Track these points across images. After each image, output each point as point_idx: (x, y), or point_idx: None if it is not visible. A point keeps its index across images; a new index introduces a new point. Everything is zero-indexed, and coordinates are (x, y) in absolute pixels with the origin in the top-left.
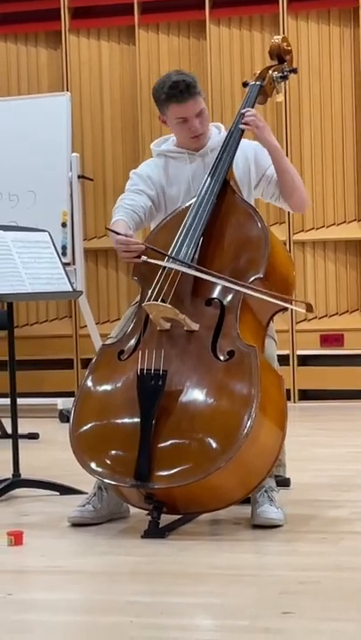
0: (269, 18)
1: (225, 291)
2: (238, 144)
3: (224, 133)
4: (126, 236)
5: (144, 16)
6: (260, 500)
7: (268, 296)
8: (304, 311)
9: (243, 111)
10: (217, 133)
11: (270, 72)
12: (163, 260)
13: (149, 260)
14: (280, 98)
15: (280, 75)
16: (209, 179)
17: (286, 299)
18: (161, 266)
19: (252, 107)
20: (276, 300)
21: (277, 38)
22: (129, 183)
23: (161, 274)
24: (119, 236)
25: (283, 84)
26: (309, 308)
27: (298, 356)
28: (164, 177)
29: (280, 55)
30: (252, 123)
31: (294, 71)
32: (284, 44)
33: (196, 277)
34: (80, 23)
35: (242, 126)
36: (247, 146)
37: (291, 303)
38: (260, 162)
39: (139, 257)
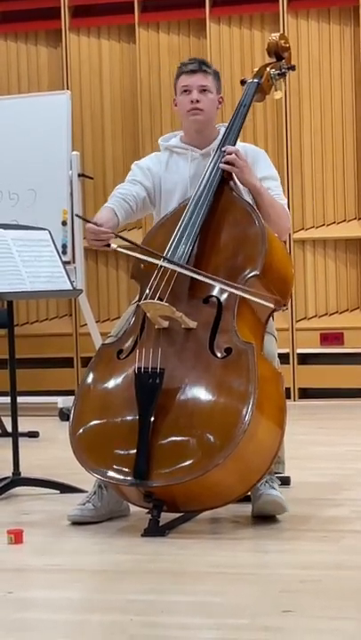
0: (270, 16)
1: (222, 288)
2: (220, 183)
3: None
4: (96, 224)
5: (144, 14)
6: (263, 487)
7: (260, 298)
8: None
9: (223, 148)
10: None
11: (268, 69)
12: (140, 252)
13: (119, 249)
14: (278, 95)
15: (278, 72)
16: (207, 173)
17: (280, 301)
18: (146, 262)
19: (249, 105)
20: (267, 303)
21: (275, 36)
22: (129, 174)
23: (157, 272)
24: (89, 223)
25: (281, 81)
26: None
27: (298, 354)
28: (163, 170)
29: (278, 52)
30: (232, 162)
31: (292, 68)
32: (282, 41)
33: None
34: (80, 22)
35: (222, 166)
36: (251, 150)
37: (284, 306)
38: (256, 172)
39: (108, 245)
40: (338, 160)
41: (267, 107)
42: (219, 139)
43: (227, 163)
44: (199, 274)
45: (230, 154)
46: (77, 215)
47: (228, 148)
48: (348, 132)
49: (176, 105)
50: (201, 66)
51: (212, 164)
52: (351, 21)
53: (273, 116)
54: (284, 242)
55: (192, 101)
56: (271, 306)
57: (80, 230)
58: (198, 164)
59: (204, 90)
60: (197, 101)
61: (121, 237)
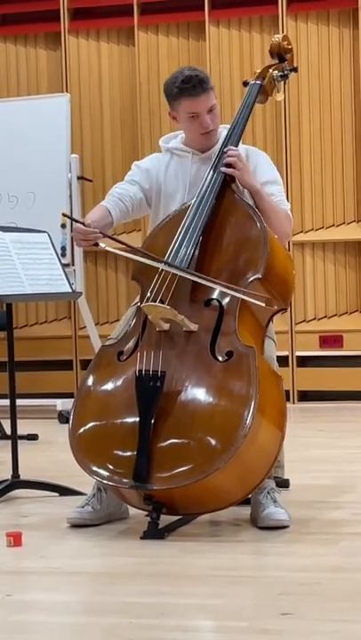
0: (269, 19)
1: (224, 291)
2: (222, 185)
3: None
4: (84, 224)
5: (143, 17)
6: (264, 501)
7: (261, 301)
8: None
9: (225, 150)
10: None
11: (271, 71)
12: (130, 252)
13: (109, 249)
14: (280, 97)
15: (280, 74)
16: (209, 176)
17: (281, 305)
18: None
19: (252, 106)
20: (268, 306)
21: (278, 37)
22: (128, 173)
23: (159, 275)
24: (76, 223)
25: (283, 82)
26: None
27: (297, 356)
28: (163, 174)
29: (280, 54)
30: (234, 165)
31: (295, 70)
32: (285, 42)
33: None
34: (79, 24)
35: (223, 169)
36: (253, 152)
37: (282, 312)
38: (258, 176)
39: (96, 244)
40: (337, 162)
41: (266, 109)
42: (220, 141)
43: (227, 165)
44: (199, 277)
45: (232, 156)
46: (64, 214)
47: (230, 150)
48: (348, 135)
49: (175, 118)
50: (203, 85)
51: (213, 167)
52: (350, 24)
53: (272, 119)
54: (284, 245)
55: (205, 126)
56: (273, 308)
57: None
58: (199, 168)
59: (211, 109)
60: (210, 122)
61: (111, 238)
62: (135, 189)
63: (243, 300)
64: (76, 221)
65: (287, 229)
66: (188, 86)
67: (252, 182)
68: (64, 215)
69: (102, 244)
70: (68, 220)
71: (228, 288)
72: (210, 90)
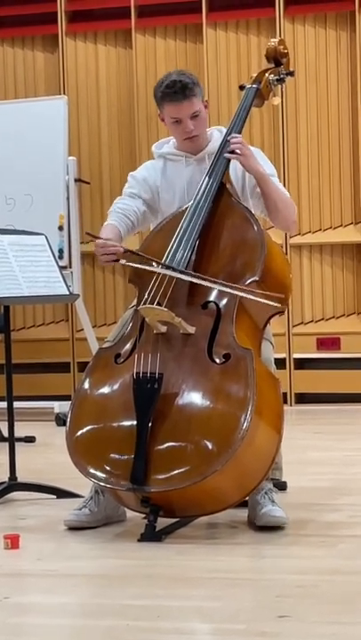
0: (266, 22)
1: (221, 294)
2: (225, 170)
3: None
4: (105, 240)
5: (141, 20)
6: (262, 501)
7: (262, 297)
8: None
9: (228, 138)
10: (218, 137)
11: (267, 75)
12: (147, 264)
13: (129, 264)
14: (277, 101)
15: (277, 78)
16: (206, 179)
17: (280, 299)
18: (150, 269)
19: (248, 110)
20: (270, 302)
21: (274, 41)
22: (126, 186)
23: (157, 277)
24: (98, 240)
25: (279, 86)
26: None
27: (294, 359)
28: (160, 180)
29: (277, 58)
30: (238, 150)
31: (291, 74)
32: (281, 46)
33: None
34: (77, 27)
35: (227, 155)
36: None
37: (279, 314)
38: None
39: (117, 260)
40: (334, 165)
41: (263, 112)
42: (213, 141)
43: (232, 152)
44: (201, 279)
45: (235, 143)
46: (88, 233)
47: (234, 137)
48: (345, 138)
49: (163, 120)
50: (185, 91)
51: (210, 171)
52: (347, 27)
53: (269, 122)
54: (281, 246)
55: (187, 131)
56: (275, 305)
57: (77, 235)
58: (194, 170)
59: (195, 115)
60: (192, 128)
61: (130, 251)
62: (137, 203)
63: (240, 302)
64: (97, 237)
65: (294, 215)
66: (170, 91)
67: (257, 167)
68: (87, 234)
69: (122, 260)
70: (65, 223)
71: (228, 287)
72: (193, 96)
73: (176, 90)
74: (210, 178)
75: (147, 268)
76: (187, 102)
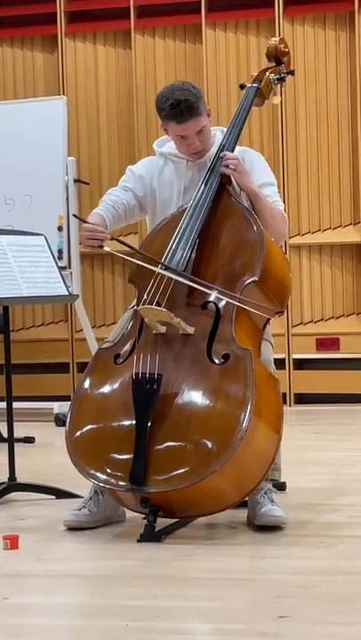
0: (265, 22)
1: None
2: (219, 187)
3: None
4: (93, 224)
5: (140, 20)
6: (262, 500)
7: (256, 308)
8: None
9: (221, 154)
10: (221, 138)
11: (267, 74)
12: (135, 256)
13: (113, 252)
14: (277, 100)
15: (277, 77)
16: (203, 186)
17: (275, 310)
18: (143, 268)
19: (249, 109)
20: (262, 313)
21: (275, 40)
22: (122, 178)
23: (156, 278)
24: (86, 224)
25: (280, 85)
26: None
27: (294, 359)
28: (157, 179)
29: (277, 57)
30: (233, 166)
31: (292, 73)
32: (282, 45)
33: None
34: (76, 27)
35: (222, 169)
36: (249, 154)
37: (278, 315)
38: (254, 177)
39: (102, 247)
40: (333, 165)
41: (263, 112)
42: (216, 144)
43: (227, 167)
44: (196, 282)
45: (230, 159)
46: (75, 215)
47: (228, 154)
48: (344, 138)
49: (166, 131)
50: (191, 111)
51: (209, 172)
52: (347, 27)
53: (269, 122)
54: (281, 247)
55: (193, 148)
56: (266, 316)
57: (76, 235)
58: (194, 174)
59: (201, 131)
60: (199, 143)
61: (118, 240)
62: (129, 196)
63: (240, 302)
64: (85, 221)
65: (283, 230)
66: (175, 112)
67: (250, 185)
68: (74, 216)
69: (107, 248)
70: (65, 223)
71: (225, 295)
72: (199, 115)
73: (182, 109)
74: (210, 178)
75: (131, 260)
76: (193, 121)
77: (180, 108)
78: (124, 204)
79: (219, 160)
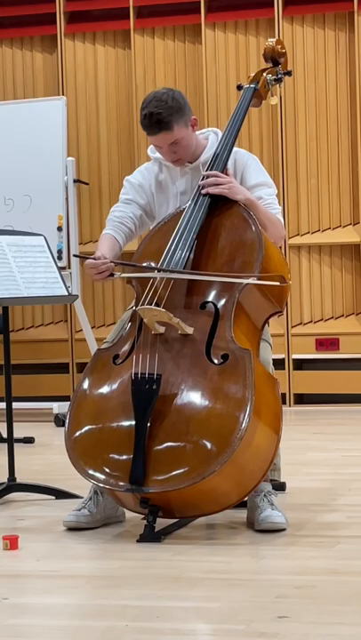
0: (265, 22)
1: (219, 294)
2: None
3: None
4: (94, 258)
5: (139, 20)
6: (261, 504)
7: (265, 279)
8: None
9: (200, 182)
10: (215, 141)
11: (265, 75)
12: (142, 271)
13: (125, 275)
14: (275, 100)
15: (274, 77)
16: (192, 204)
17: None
18: (145, 275)
19: (246, 110)
20: (273, 282)
21: (272, 41)
22: (122, 192)
23: (154, 279)
24: (87, 260)
25: (277, 86)
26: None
27: (293, 359)
28: (154, 184)
29: (274, 58)
30: (216, 183)
31: (289, 74)
32: (279, 46)
33: (189, 281)
34: (76, 27)
35: (211, 190)
36: (241, 156)
37: (277, 315)
38: (246, 179)
39: (112, 274)
40: (333, 166)
41: (262, 112)
42: (209, 147)
43: (211, 185)
44: (199, 274)
45: (209, 178)
46: (75, 255)
47: (207, 174)
48: (343, 138)
49: None
50: (160, 125)
51: (197, 192)
52: (346, 27)
53: (268, 122)
54: (280, 247)
55: (166, 158)
56: (277, 284)
57: (75, 236)
58: (188, 179)
59: (175, 143)
60: (173, 153)
61: (121, 263)
62: (133, 208)
63: (238, 302)
64: (87, 258)
65: (282, 233)
66: (146, 123)
67: (244, 195)
68: (75, 256)
69: (117, 274)
70: (64, 223)
71: (229, 277)
72: (168, 130)
73: (152, 123)
74: (195, 204)
75: (144, 275)
76: (162, 135)
77: (150, 120)
78: (131, 217)
79: (200, 188)
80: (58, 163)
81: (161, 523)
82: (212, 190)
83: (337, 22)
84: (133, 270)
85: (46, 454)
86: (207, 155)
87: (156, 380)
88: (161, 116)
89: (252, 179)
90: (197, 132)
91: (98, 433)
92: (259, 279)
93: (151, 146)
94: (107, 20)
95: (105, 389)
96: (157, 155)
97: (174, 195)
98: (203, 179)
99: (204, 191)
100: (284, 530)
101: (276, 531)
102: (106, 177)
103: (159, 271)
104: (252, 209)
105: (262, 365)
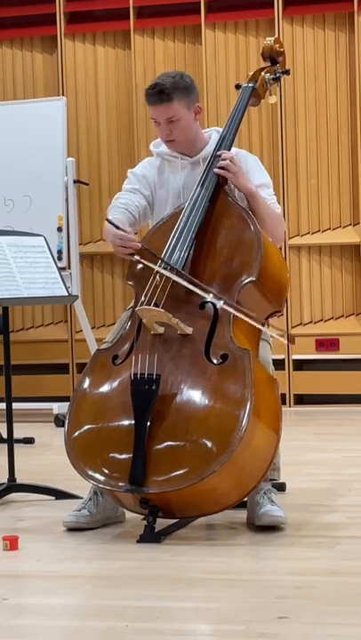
0: (265, 22)
1: (219, 294)
2: (216, 187)
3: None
4: (125, 231)
5: (139, 21)
6: (261, 501)
7: (248, 317)
8: (284, 341)
9: (218, 153)
10: (216, 139)
11: (263, 74)
12: (155, 264)
13: (142, 261)
14: (273, 100)
15: (272, 76)
16: (198, 188)
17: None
18: (154, 269)
19: (245, 109)
20: (255, 323)
21: (270, 40)
22: (125, 182)
23: (154, 278)
24: (119, 231)
25: (276, 85)
26: (292, 340)
27: (293, 360)
28: (157, 177)
29: (272, 57)
30: (227, 168)
31: (287, 73)
32: (277, 45)
33: (189, 281)
34: (76, 28)
35: (216, 171)
36: (241, 156)
37: (277, 315)
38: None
39: (132, 254)
40: (333, 165)
41: (262, 112)
42: (210, 144)
43: (221, 168)
44: (193, 283)
45: (225, 159)
46: (108, 219)
47: (224, 153)
48: (343, 138)
49: None
50: (161, 95)
51: (207, 170)
52: (346, 27)
53: (268, 122)
54: (280, 248)
55: (161, 135)
56: (258, 327)
57: (76, 236)
58: (188, 174)
59: (171, 120)
60: (169, 132)
61: (149, 251)
62: (138, 197)
63: (238, 302)
64: (118, 228)
65: (282, 232)
66: (148, 92)
67: (247, 185)
68: (107, 220)
69: (136, 257)
70: (64, 224)
71: (220, 299)
72: (168, 102)
73: (153, 92)
74: (207, 177)
75: (155, 267)
76: (162, 107)
77: (153, 89)
78: (136, 206)
79: (215, 159)
80: (58, 163)
81: (161, 523)
82: (221, 172)
83: (337, 23)
84: (153, 260)
85: (46, 455)
86: (208, 150)
87: (156, 380)
88: (164, 87)
89: (256, 180)
90: (201, 131)
91: (97, 433)
92: (245, 315)
93: (154, 141)
94: (107, 20)
95: (104, 390)
96: (159, 149)
97: (174, 188)
98: (215, 156)
99: (218, 165)
100: (284, 524)
101: (274, 528)
102: (106, 177)
103: (171, 270)
104: (252, 202)
105: (262, 365)
